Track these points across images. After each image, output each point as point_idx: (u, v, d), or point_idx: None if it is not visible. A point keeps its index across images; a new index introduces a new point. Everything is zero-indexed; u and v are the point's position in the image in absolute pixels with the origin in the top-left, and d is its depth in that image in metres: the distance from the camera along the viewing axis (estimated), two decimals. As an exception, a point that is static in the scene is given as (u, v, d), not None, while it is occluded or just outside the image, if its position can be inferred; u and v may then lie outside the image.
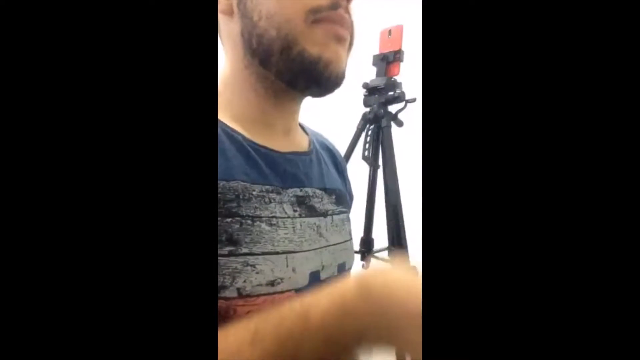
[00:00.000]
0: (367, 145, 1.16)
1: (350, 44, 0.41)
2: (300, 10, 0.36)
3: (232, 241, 0.34)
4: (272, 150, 0.41)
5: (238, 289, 0.34)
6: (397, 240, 1.08)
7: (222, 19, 0.42)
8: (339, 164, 0.56)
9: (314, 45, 0.37)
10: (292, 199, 0.41)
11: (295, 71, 0.38)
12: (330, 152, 0.55)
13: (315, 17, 0.37)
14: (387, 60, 1.12)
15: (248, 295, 0.34)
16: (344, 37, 0.39)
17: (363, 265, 1.16)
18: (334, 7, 0.37)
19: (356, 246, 1.14)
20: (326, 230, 0.44)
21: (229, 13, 0.40)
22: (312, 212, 0.43)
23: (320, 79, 0.38)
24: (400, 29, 1.10)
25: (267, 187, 0.39)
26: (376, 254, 1.16)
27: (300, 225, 0.41)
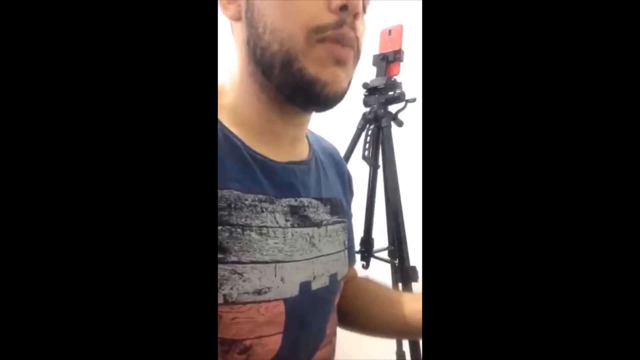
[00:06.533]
0: (367, 145, 1.16)
1: (356, 59, 0.41)
2: (303, 28, 0.35)
3: (221, 249, 0.35)
4: (270, 159, 0.41)
5: (224, 296, 0.34)
6: (397, 240, 1.08)
7: (233, 23, 0.41)
8: (341, 169, 0.56)
9: (313, 65, 0.36)
10: (285, 208, 0.41)
11: (294, 87, 0.38)
12: (333, 158, 0.55)
13: (317, 36, 0.36)
14: (387, 60, 1.11)
15: (234, 303, 0.35)
16: (344, 59, 0.38)
17: (363, 266, 1.16)
18: (339, 25, 0.36)
19: (356, 246, 1.14)
20: (319, 240, 0.44)
21: (238, 19, 0.40)
22: (305, 222, 0.43)
23: (318, 99, 0.38)
24: (400, 29, 1.10)
25: (260, 196, 0.38)
26: (376, 254, 1.16)
27: (292, 235, 0.41)
